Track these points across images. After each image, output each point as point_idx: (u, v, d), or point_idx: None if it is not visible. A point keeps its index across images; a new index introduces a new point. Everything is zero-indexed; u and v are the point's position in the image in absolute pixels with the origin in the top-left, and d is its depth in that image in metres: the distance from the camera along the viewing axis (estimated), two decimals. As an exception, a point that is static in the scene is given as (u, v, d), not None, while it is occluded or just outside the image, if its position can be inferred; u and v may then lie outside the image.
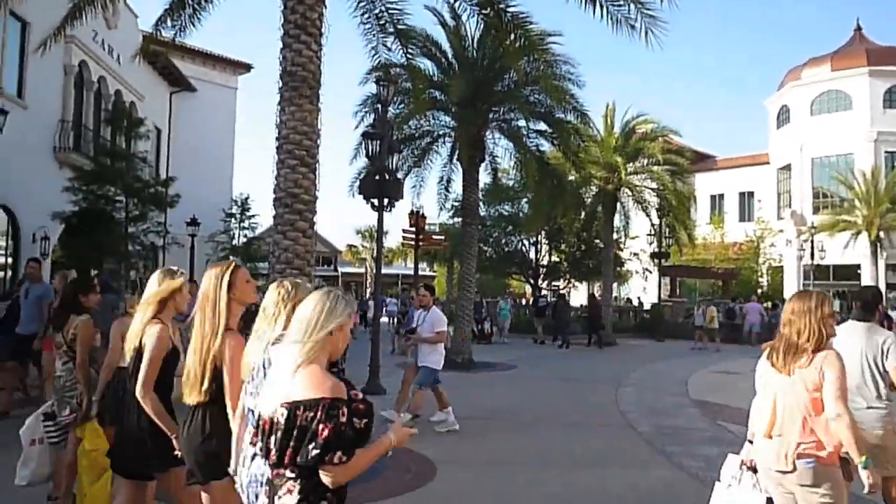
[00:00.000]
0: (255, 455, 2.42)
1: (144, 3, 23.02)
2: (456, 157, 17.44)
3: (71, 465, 4.86)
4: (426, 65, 16.28)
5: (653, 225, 27.08)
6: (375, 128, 12.44)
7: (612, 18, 8.52)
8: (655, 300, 29.69)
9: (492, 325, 24.44)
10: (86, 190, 18.20)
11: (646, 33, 8.38)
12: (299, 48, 6.77)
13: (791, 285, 34.66)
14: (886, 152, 34.25)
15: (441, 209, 20.65)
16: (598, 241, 28.14)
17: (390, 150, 12.36)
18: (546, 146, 18.10)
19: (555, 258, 31.62)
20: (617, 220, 25.71)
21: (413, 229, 20.84)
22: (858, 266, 32.71)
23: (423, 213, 21.29)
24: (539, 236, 30.25)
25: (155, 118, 24.88)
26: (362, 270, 58.29)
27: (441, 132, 17.46)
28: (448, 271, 38.05)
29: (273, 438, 2.28)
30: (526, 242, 30.97)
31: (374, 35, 9.47)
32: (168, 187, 21.24)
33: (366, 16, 9.21)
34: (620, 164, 23.28)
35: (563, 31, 19.25)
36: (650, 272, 31.49)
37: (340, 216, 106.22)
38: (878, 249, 31.31)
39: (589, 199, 25.71)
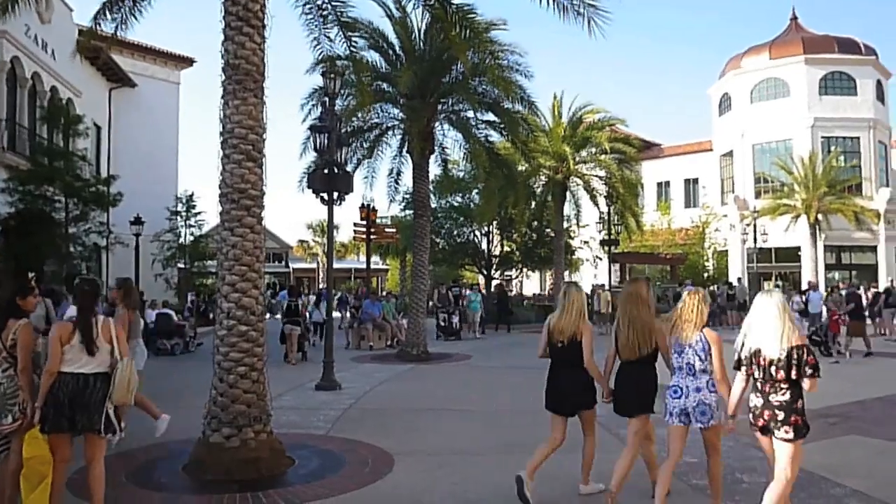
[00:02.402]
0: (698, 388, 4.76)
1: (79, -4, 22.23)
2: (406, 149, 17.36)
3: (14, 475, 4.70)
4: (373, 57, 16.17)
5: (601, 213, 27.49)
6: (323, 121, 12.32)
7: (557, 6, 8.56)
8: (607, 286, 30.15)
9: (461, 319, 22.10)
10: (22, 190, 17.61)
11: (588, 22, 8.47)
12: (242, 40, 6.62)
13: (735, 268, 35.63)
14: (823, 137, 35.39)
15: (392, 202, 20.56)
16: (549, 230, 28.45)
17: (339, 143, 12.26)
18: (495, 137, 18.18)
19: (507, 248, 31.84)
20: (567, 209, 26.05)
21: (364, 223, 20.78)
22: (799, 248, 33.80)
23: (374, 207, 21.24)
24: (491, 227, 30.40)
25: (94, 115, 24.14)
26: (314, 266, 57.79)
27: (390, 124, 17.36)
28: (401, 264, 37.97)
29: (773, 368, 4.31)
30: (478, 233, 31.10)
31: (316, 26, 9.30)
32: (110, 186, 20.68)
33: (308, 6, 9.05)
34: (569, 154, 23.56)
35: (510, 19, 19.36)
36: (600, 259, 31.98)
37: (291, 212, 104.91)
38: (817, 232, 32.40)
39: (539, 189, 25.95)
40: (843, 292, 18.42)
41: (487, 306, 23.80)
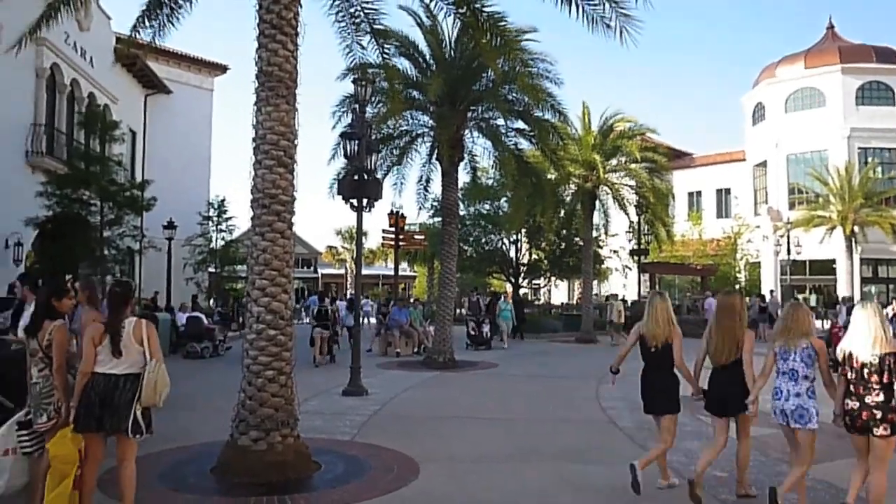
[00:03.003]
0: (798, 393, 5.08)
1: (116, 5, 22.70)
2: (435, 156, 17.41)
3: (46, 473, 4.78)
4: (403, 64, 16.25)
5: (631, 222, 27.24)
6: (353, 128, 12.38)
7: (587, 17, 8.50)
8: (635, 297, 29.88)
9: (492, 328, 21.34)
10: (59, 194, 17.97)
11: (620, 33, 8.39)
12: (275, 48, 6.70)
13: (768, 280, 35.08)
14: (860, 148, 34.76)
15: (420, 209, 20.62)
16: (577, 238, 28.26)
17: (368, 150, 12.31)
18: (525, 145, 18.14)
19: (535, 256, 31.71)
20: (596, 218, 25.81)
21: (393, 229, 20.85)
22: (833, 261, 33.19)
23: (402, 214, 21.28)
24: (519, 235, 30.32)
25: (130, 121, 24.62)
26: (342, 272, 58.10)
27: (420, 132, 17.42)
28: (429, 271, 38.02)
29: (866, 371, 4.73)
30: (506, 241, 31.03)
31: (349, 34, 9.40)
32: (144, 190, 21.02)
33: (341, 15, 9.14)
34: (599, 162, 23.38)
35: (541, 29, 19.32)
36: (630, 269, 31.69)
37: (320, 218, 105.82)
38: (853, 244, 31.79)
39: (568, 197, 25.79)
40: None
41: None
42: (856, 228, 31.41)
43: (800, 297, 32.92)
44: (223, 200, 27.95)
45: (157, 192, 21.43)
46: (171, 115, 28.10)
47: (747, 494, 5.68)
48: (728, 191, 41.65)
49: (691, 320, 27.16)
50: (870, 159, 33.68)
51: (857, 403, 4.79)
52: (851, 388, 4.84)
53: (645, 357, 5.91)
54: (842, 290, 30.32)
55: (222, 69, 31.79)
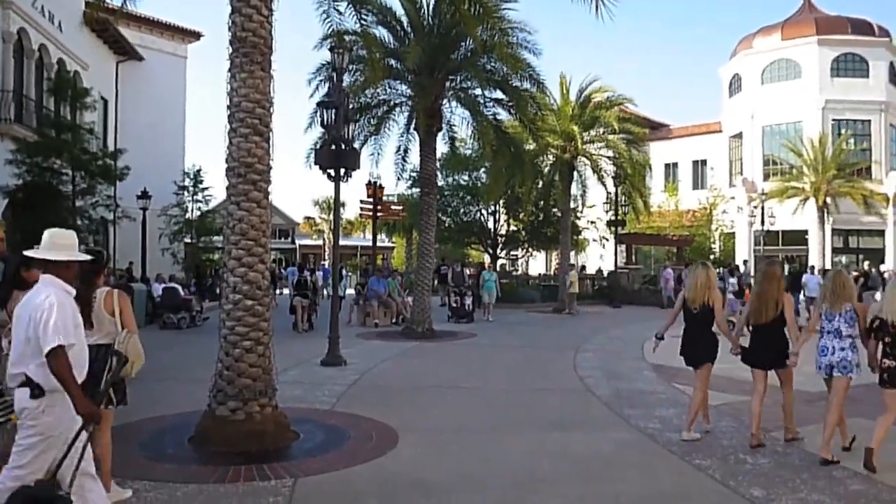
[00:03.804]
0: (843, 348, 5.85)
1: (86, -32, 22.05)
2: (413, 126, 17.26)
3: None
4: (381, 33, 16.02)
5: (609, 193, 27.34)
6: (330, 96, 12.22)
7: (565, -13, 8.47)
8: (612, 267, 30.14)
9: (474, 300, 20.47)
10: (30, 163, 17.60)
11: (596, 7, 8.39)
12: (249, 13, 6.56)
13: (742, 251, 35.51)
14: (834, 120, 35.06)
15: (399, 179, 20.46)
16: (555, 209, 28.33)
17: (346, 119, 12.18)
18: (503, 115, 18.01)
19: (513, 227, 31.76)
20: (574, 189, 25.86)
21: (371, 200, 20.75)
22: (806, 232, 33.66)
23: (380, 184, 21.16)
24: (497, 205, 30.29)
25: (101, 88, 24.06)
26: (320, 242, 57.81)
27: (398, 101, 17.24)
28: (407, 242, 37.93)
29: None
30: (484, 212, 30.99)
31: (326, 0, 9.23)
32: (117, 159, 20.64)
33: (318, -20, 8.97)
34: (577, 133, 23.37)
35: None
36: (607, 240, 31.89)
37: (298, 188, 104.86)
38: (826, 215, 32.24)
39: (546, 168, 25.78)
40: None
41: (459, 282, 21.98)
42: (828, 199, 31.84)
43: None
44: (199, 170, 27.57)
45: (130, 161, 21.04)
46: (144, 83, 27.48)
47: (794, 438, 6.42)
48: (704, 162, 41.89)
49: (651, 290, 27.84)
50: (843, 131, 34.02)
51: (895, 363, 5.54)
52: (888, 349, 5.57)
53: (686, 317, 6.80)
54: (813, 260, 30.77)
55: (196, 36, 31.07)
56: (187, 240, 27.17)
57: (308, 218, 60.38)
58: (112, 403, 4.72)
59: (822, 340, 6.03)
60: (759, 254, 32.89)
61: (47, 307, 3.63)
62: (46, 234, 3.99)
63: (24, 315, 3.74)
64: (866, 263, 27.00)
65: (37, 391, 3.63)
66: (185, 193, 26.87)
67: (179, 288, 18.48)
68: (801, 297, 19.29)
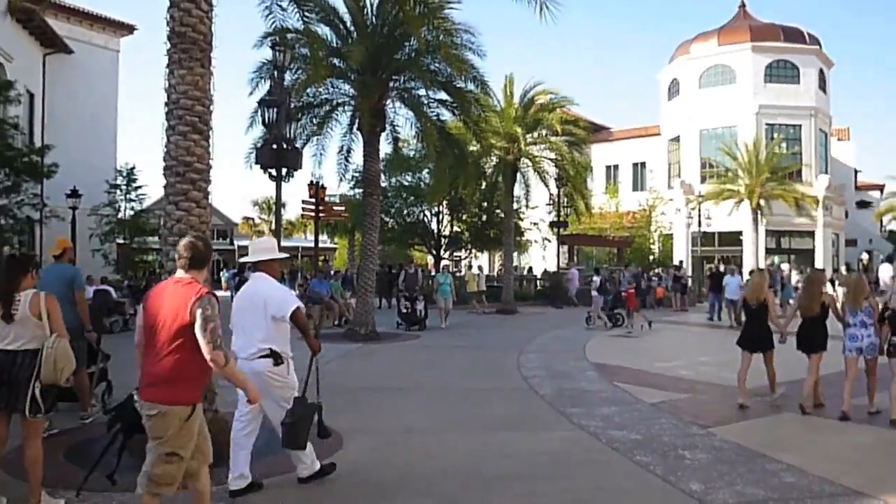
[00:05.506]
0: (869, 335, 7.47)
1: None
2: (356, 126, 17.10)
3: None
4: (324, 31, 15.81)
5: (551, 195, 27.70)
6: (272, 95, 12.02)
7: (510, -10, 8.53)
8: (554, 268, 30.53)
9: (426, 305, 18.52)
10: (-51, 159, 16.74)
11: (541, 8, 8.46)
12: (188, 7, 6.37)
13: (680, 251, 36.49)
14: (767, 124, 36.40)
15: (341, 180, 20.26)
16: (498, 210, 28.53)
17: (288, 118, 12.00)
18: (447, 116, 18.02)
19: (457, 228, 31.86)
20: (517, 190, 26.10)
21: (313, 200, 20.45)
22: (741, 233, 34.80)
23: (322, 184, 20.87)
24: (441, 207, 30.35)
25: (27, 81, 23.04)
26: (260, 243, 56.72)
27: (341, 100, 17.05)
28: (349, 243, 37.64)
29: None
30: (428, 213, 31.01)
31: (268, -4, 9.05)
32: (44, 156, 19.82)
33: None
34: (520, 135, 23.58)
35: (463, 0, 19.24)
36: (549, 241, 32.28)
37: (237, 188, 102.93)
38: (759, 217, 33.41)
39: (490, 170, 25.96)
40: None
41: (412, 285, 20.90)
42: (761, 202, 33.00)
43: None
44: (132, 168, 26.76)
45: (59, 158, 20.23)
46: (73, 77, 26.44)
47: (821, 404, 7.93)
48: (644, 164, 42.88)
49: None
50: (775, 135, 35.33)
51: None
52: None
53: (746, 312, 8.49)
54: (748, 261, 31.83)
55: (129, 29, 30.08)
56: (120, 240, 26.33)
57: (247, 218, 59.38)
58: (40, 411, 4.51)
59: (850, 330, 7.60)
60: (697, 254, 33.84)
61: None
62: None
63: None
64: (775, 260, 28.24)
65: None
66: (118, 192, 26.05)
67: (112, 290, 17.87)
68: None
